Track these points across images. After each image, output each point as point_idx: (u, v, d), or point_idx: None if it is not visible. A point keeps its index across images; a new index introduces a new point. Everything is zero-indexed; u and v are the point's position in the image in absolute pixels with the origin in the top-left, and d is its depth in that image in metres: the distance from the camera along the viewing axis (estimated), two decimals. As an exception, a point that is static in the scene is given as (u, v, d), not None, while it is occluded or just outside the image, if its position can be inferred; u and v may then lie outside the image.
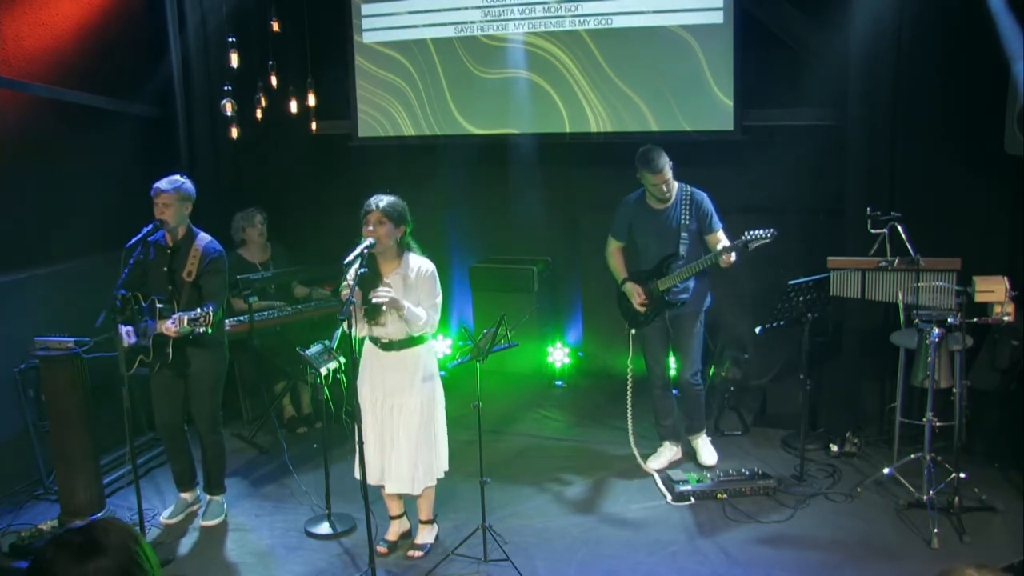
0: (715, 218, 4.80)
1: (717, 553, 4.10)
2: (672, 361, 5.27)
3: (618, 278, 4.98)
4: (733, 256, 4.57)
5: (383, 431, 4.00)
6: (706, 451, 5.13)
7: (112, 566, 1.58)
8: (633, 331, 4.98)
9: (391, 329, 3.94)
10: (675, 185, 4.78)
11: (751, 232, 4.52)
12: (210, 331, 4.10)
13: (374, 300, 3.80)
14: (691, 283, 4.84)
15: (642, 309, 4.85)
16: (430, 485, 4.09)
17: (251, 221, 5.82)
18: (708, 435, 5.21)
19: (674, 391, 5.15)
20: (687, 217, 4.76)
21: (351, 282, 3.74)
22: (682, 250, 4.76)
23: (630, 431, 5.09)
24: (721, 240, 4.74)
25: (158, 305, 4.22)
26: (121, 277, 4.11)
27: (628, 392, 5.07)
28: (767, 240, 4.50)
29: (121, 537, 1.62)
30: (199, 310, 4.08)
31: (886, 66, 5.14)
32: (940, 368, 4.44)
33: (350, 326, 3.76)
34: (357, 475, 3.95)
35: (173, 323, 4.07)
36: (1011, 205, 5.11)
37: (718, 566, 3.99)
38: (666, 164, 4.64)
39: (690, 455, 5.20)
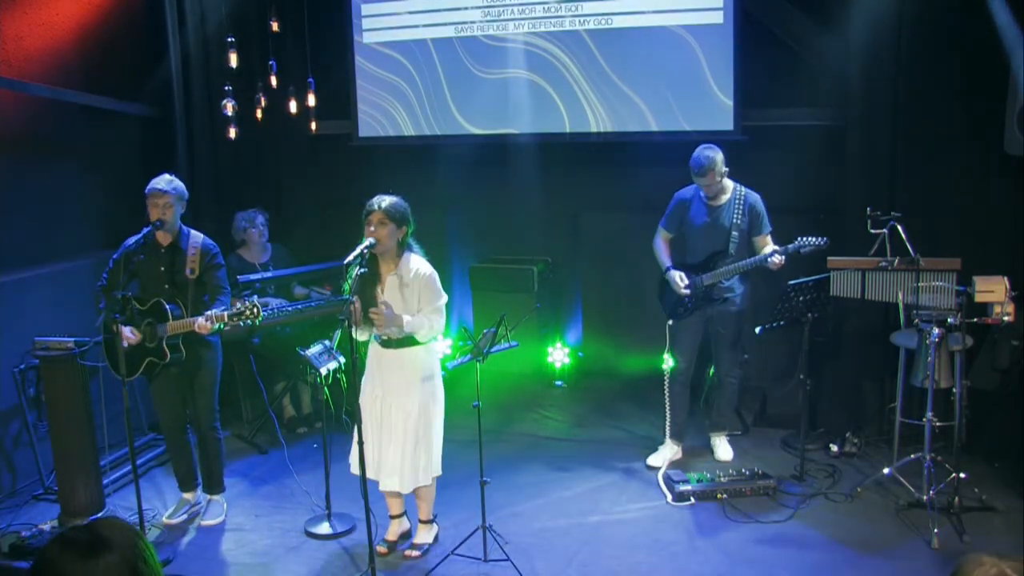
0: (766, 220, 4.86)
1: (717, 553, 4.10)
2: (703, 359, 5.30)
3: (662, 266, 4.99)
4: (783, 259, 4.64)
5: (381, 427, 4.02)
6: (723, 449, 5.20)
7: (120, 561, 1.58)
8: (671, 322, 4.99)
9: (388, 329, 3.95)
10: (729, 185, 4.83)
11: (804, 239, 4.63)
12: (257, 322, 4.13)
13: (371, 316, 3.81)
14: (735, 282, 4.90)
15: (687, 292, 4.84)
16: (423, 485, 4.07)
17: (252, 222, 5.82)
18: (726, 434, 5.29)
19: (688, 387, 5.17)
20: (739, 217, 4.81)
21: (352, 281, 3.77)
22: (731, 249, 4.82)
23: (668, 421, 5.09)
24: (768, 243, 4.80)
25: (167, 307, 4.22)
26: (101, 281, 4.11)
27: (665, 384, 5.06)
28: (821, 247, 4.62)
29: (125, 533, 1.62)
30: (238, 304, 4.10)
31: (886, 66, 5.14)
32: (940, 368, 4.44)
33: (350, 326, 3.76)
34: (354, 471, 3.97)
35: (208, 320, 4.09)
36: (1011, 205, 5.11)
37: (718, 566, 3.99)
38: (711, 168, 4.68)
39: (689, 453, 5.20)
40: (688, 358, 5.05)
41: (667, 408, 5.08)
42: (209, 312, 4.12)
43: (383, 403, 4.00)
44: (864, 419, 5.44)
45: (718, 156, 4.70)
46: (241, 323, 4.10)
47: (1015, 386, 4.90)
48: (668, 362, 5.06)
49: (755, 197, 4.88)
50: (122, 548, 1.59)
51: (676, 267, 4.95)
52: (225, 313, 4.08)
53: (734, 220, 4.82)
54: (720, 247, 4.85)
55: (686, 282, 4.86)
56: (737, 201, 4.84)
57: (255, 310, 4.07)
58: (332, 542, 4.33)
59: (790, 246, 4.67)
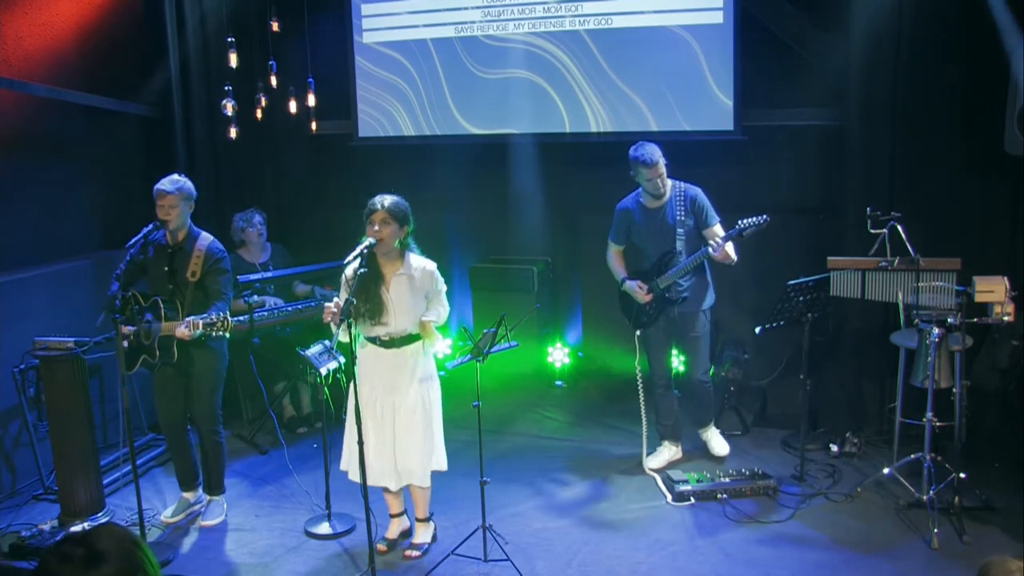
0: (711, 212, 4.83)
1: (717, 553, 4.10)
2: (677, 361, 5.27)
3: (618, 278, 4.98)
4: (731, 248, 4.61)
5: (383, 431, 4.01)
6: (717, 442, 5.18)
7: (116, 573, 1.58)
8: (639, 332, 4.98)
9: (392, 327, 3.95)
10: (669, 182, 4.80)
11: (744, 220, 4.59)
12: (228, 335, 4.12)
13: (437, 349, 4.02)
14: (693, 281, 4.86)
15: (647, 298, 4.83)
16: (427, 482, 4.10)
17: (250, 222, 5.82)
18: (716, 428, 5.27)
19: (675, 391, 5.16)
20: (682, 213, 4.78)
21: (349, 284, 3.80)
22: (679, 246, 4.79)
23: (644, 431, 5.08)
24: (719, 234, 4.76)
25: (162, 306, 4.22)
26: (116, 271, 4.11)
27: (640, 393, 5.06)
28: (762, 226, 4.55)
29: (122, 543, 1.63)
30: (214, 314, 4.09)
31: (886, 66, 5.14)
32: (940, 368, 4.44)
33: (350, 326, 3.77)
34: (352, 477, 3.98)
35: (186, 327, 4.08)
36: (1011, 205, 5.11)
37: (718, 566, 3.99)
38: (660, 157, 4.67)
39: (689, 454, 5.20)
40: (663, 363, 5.04)
41: (643, 414, 5.05)
42: (190, 319, 4.12)
43: (382, 403, 4.00)
44: (864, 419, 5.44)
45: (656, 146, 4.69)
46: (213, 333, 4.10)
47: (1015, 386, 4.91)
48: (638, 371, 5.03)
49: (695, 191, 4.84)
50: (119, 560, 1.60)
51: (631, 276, 4.94)
52: (201, 321, 4.08)
53: (678, 217, 4.79)
54: (668, 247, 4.81)
55: (646, 288, 4.85)
56: (678, 198, 4.80)
57: (224, 323, 4.07)
58: (332, 542, 4.33)
59: (732, 231, 4.61)
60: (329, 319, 3.88)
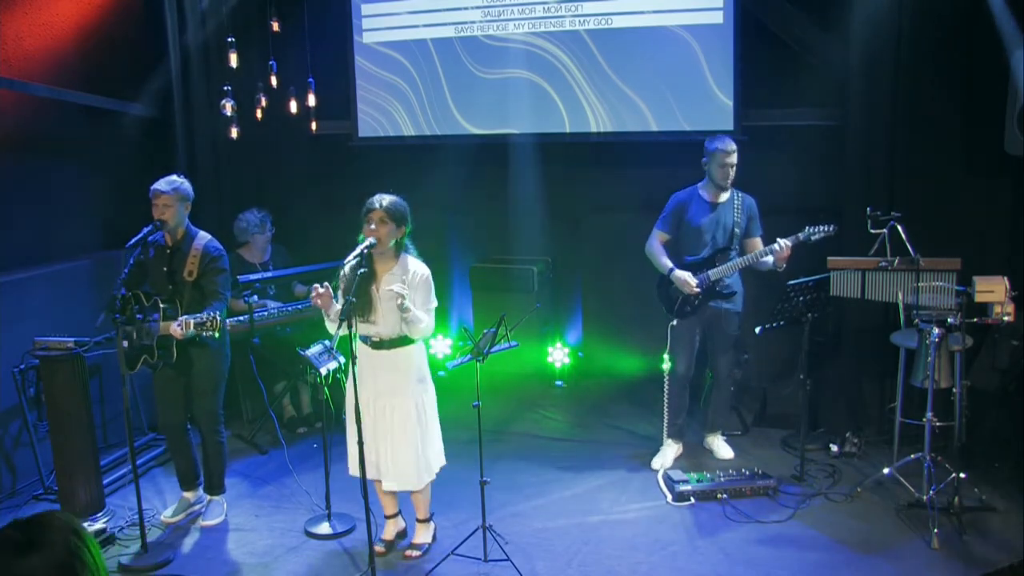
0: (759, 223, 4.94)
1: (717, 553, 4.10)
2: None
3: (664, 267, 4.95)
4: (790, 247, 4.69)
5: (376, 429, 4.00)
6: (723, 448, 5.23)
7: (45, 563, 1.55)
8: (675, 322, 4.99)
9: (381, 327, 3.94)
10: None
11: (812, 227, 4.68)
12: (217, 335, 4.12)
13: (387, 289, 3.79)
14: (739, 282, 4.97)
15: (696, 291, 4.84)
16: (426, 483, 4.09)
17: (263, 228, 5.81)
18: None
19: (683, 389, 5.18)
20: (738, 215, 4.88)
21: (344, 281, 3.77)
22: (735, 244, 4.89)
23: (666, 424, 5.11)
24: (759, 247, 4.87)
25: (161, 306, 4.23)
26: (121, 276, 4.12)
27: (665, 385, 5.07)
28: (829, 234, 4.66)
29: (62, 532, 1.60)
30: (205, 314, 4.09)
31: (886, 66, 5.14)
32: (940, 368, 4.44)
33: (350, 326, 3.76)
34: (353, 472, 3.97)
35: (179, 326, 4.08)
36: (1011, 205, 5.12)
37: (718, 566, 3.99)
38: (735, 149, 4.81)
39: (689, 452, 5.20)
40: (688, 359, 5.06)
41: (666, 409, 5.08)
42: (182, 318, 4.12)
43: (375, 405, 3.99)
44: (864, 419, 5.44)
45: None
46: (203, 333, 4.10)
47: (1015, 386, 4.90)
48: (667, 363, 5.05)
49: (752, 200, 4.96)
50: (55, 547, 1.57)
51: (678, 267, 4.95)
52: (192, 321, 4.08)
53: (734, 219, 4.87)
54: (723, 244, 4.89)
55: (696, 281, 4.86)
56: (735, 202, 4.90)
57: (213, 322, 4.07)
58: (332, 542, 4.33)
59: (800, 235, 4.69)
60: (319, 302, 3.85)
